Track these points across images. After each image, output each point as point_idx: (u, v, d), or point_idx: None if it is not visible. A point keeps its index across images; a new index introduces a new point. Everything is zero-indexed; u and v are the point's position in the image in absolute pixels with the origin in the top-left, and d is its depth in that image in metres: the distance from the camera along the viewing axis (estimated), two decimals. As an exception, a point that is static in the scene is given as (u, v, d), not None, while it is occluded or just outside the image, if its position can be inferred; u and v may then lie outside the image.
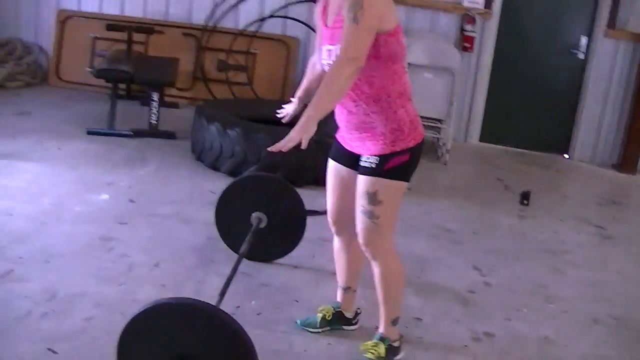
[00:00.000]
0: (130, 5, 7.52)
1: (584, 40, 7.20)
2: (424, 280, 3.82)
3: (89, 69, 6.90)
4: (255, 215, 3.53)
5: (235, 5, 7.35)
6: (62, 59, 7.54)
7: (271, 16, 7.28)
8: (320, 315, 3.10)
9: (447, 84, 6.38)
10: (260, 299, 3.34)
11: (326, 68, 2.64)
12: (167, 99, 6.76)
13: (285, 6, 7.27)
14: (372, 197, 2.64)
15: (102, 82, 6.44)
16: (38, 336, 2.79)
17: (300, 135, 2.38)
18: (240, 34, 7.28)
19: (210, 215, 3.76)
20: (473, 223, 4.90)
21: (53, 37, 7.54)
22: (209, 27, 7.34)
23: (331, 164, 2.90)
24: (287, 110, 3.06)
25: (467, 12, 7.05)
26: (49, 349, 2.71)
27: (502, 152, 7.27)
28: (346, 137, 2.77)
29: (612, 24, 7.04)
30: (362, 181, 2.67)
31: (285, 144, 2.38)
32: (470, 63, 7.22)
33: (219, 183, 4.59)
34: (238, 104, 6.26)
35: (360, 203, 2.69)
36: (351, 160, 2.77)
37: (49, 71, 7.59)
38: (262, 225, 3.52)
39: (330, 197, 2.94)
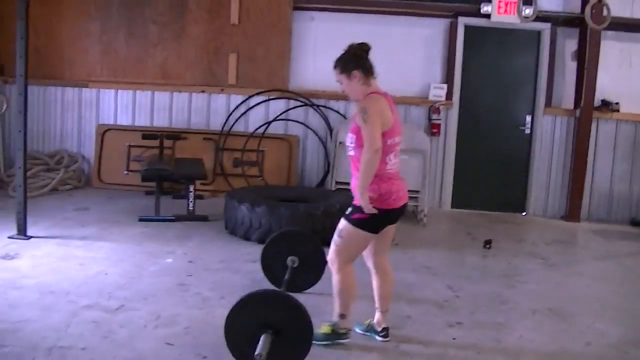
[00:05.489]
0: (158, 118, 9.18)
1: (528, 118, 8.89)
2: (412, 296, 5.24)
3: (126, 172, 8.64)
4: (290, 258, 5.00)
5: (244, 113, 9.02)
6: (102, 164, 9.11)
7: (275, 119, 8.95)
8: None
9: (420, 162, 8.00)
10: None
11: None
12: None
13: (286, 111, 8.95)
14: (339, 231, 4.04)
15: (136, 181, 8.01)
16: (155, 337, 4.18)
17: (366, 202, 3.83)
18: (251, 135, 8.92)
19: (251, 267, 5.22)
20: (447, 261, 6.41)
21: (94, 147, 9.15)
22: (225, 132, 8.97)
23: None
24: None
25: (432, 104, 8.76)
26: (167, 343, 4.11)
27: (471, 215, 8.81)
28: None
29: (548, 103, 8.76)
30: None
31: (365, 209, 3.84)
32: (439, 144, 8.86)
33: (251, 248, 6.11)
34: (258, 190, 7.75)
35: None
36: None
37: (92, 175, 9.15)
38: (295, 265, 4.99)
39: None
